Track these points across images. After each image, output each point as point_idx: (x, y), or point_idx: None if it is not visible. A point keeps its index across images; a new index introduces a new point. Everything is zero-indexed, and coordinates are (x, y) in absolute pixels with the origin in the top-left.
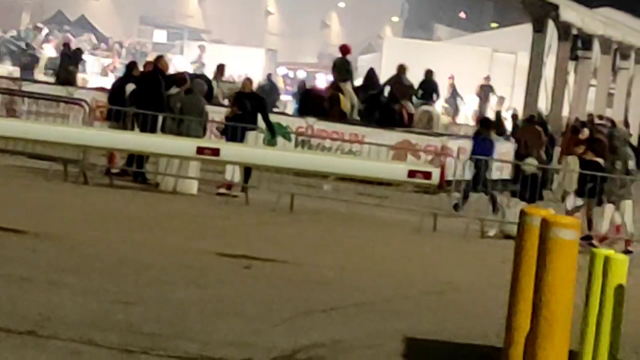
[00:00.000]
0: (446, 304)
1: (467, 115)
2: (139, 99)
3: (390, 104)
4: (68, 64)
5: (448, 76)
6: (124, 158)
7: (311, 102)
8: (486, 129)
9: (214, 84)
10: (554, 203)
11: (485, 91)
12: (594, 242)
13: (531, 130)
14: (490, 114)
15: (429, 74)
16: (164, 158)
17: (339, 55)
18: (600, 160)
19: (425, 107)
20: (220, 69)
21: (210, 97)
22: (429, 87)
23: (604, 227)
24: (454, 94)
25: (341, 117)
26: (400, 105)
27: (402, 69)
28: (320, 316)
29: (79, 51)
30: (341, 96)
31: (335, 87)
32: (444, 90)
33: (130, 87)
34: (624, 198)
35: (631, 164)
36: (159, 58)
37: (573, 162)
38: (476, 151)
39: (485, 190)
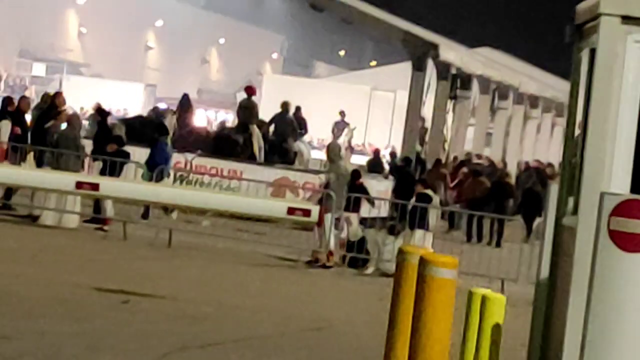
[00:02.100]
0: (323, 341)
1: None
2: (36, 135)
3: (276, 142)
4: None
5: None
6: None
7: (226, 145)
8: None
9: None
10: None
11: (339, 127)
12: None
13: (437, 174)
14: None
15: (297, 110)
16: (42, 191)
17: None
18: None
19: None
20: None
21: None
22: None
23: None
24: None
25: (251, 159)
26: (286, 142)
27: (285, 106)
28: (197, 352)
29: None
30: (252, 141)
31: (244, 130)
32: None
33: (5, 124)
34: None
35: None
36: (57, 94)
37: None
38: None
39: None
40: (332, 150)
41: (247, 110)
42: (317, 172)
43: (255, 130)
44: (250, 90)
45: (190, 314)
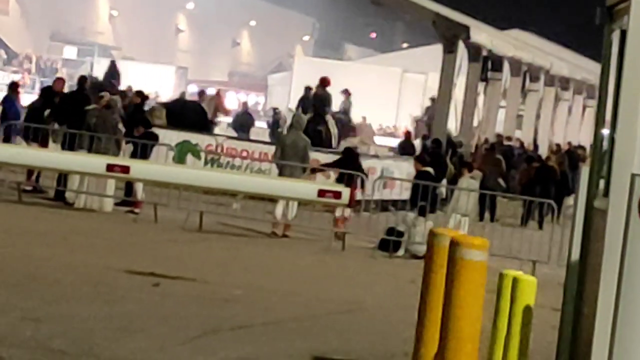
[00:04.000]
0: (353, 324)
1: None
2: (64, 117)
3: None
4: None
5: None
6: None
7: (311, 136)
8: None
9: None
10: None
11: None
12: None
13: (491, 160)
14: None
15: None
16: (77, 175)
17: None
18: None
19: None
20: None
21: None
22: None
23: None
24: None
25: (329, 147)
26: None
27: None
28: (228, 335)
29: None
30: (330, 129)
31: (321, 119)
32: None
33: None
34: None
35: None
36: (84, 77)
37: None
38: None
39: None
40: (293, 119)
41: (322, 101)
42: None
43: (330, 119)
44: (324, 81)
45: (220, 296)
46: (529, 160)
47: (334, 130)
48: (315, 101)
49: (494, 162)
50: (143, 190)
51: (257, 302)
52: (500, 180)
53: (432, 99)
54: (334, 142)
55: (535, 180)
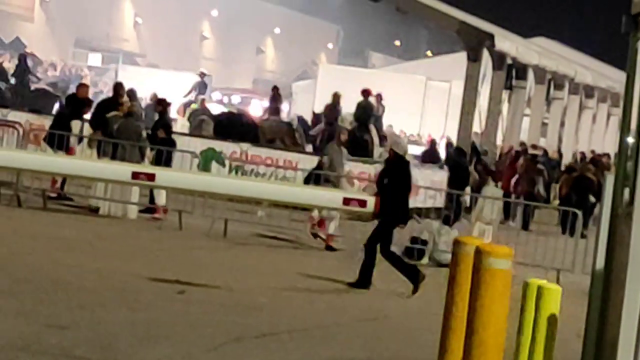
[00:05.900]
0: (378, 331)
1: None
2: (98, 123)
3: (361, 134)
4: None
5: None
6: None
7: (359, 146)
8: None
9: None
10: None
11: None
12: None
13: (532, 168)
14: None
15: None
16: (101, 182)
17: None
18: None
19: None
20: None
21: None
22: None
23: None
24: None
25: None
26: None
27: (336, 98)
28: (253, 342)
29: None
30: (373, 139)
31: (366, 129)
32: None
33: (75, 124)
34: None
35: None
36: (119, 84)
37: None
38: None
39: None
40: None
41: (365, 111)
42: (373, 162)
43: (373, 129)
44: (366, 93)
45: (245, 304)
46: (570, 170)
47: (376, 139)
48: (358, 111)
49: (536, 172)
50: (167, 197)
51: (281, 310)
52: (541, 189)
53: (376, 96)
54: (375, 152)
55: (572, 190)
